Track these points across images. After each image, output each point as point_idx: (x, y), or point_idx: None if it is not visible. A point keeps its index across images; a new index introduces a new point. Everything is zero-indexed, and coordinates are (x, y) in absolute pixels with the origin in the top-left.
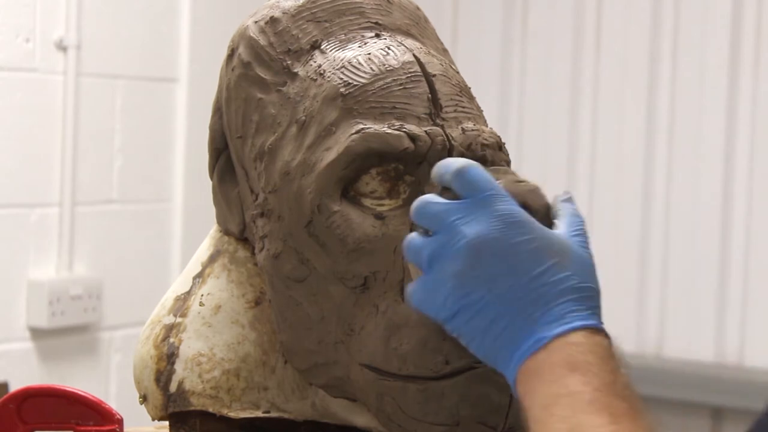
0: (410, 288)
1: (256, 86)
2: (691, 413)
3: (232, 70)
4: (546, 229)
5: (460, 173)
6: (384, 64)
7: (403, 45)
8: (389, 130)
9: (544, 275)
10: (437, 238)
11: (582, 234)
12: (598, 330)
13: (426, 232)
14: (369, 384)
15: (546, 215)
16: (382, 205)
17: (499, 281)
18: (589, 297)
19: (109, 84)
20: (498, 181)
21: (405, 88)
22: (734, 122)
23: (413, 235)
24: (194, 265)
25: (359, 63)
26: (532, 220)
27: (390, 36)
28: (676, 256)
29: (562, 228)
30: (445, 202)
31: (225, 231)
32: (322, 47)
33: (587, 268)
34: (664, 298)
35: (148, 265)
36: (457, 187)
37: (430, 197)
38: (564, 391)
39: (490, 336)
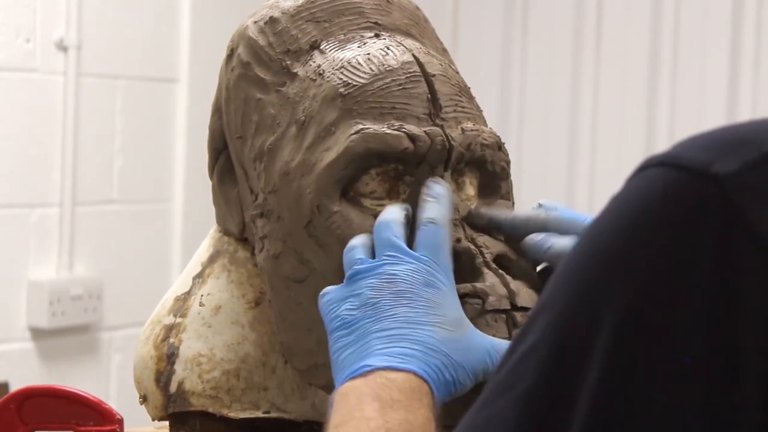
0: (326, 289)
1: (256, 86)
2: None
3: (232, 70)
4: (455, 305)
5: (425, 225)
6: (383, 65)
7: (402, 45)
8: (389, 131)
9: (414, 325)
10: (369, 262)
11: (496, 348)
12: (423, 378)
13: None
14: None
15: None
16: (382, 205)
17: (379, 316)
18: (441, 364)
19: (109, 84)
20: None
21: (404, 88)
22: (734, 122)
23: (361, 257)
24: (194, 266)
25: (359, 63)
26: (451, 288)
27: (389, 36)
28: None
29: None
30: (398, 239)
31: (225, 231)
32: (321, 47)
33: (464, 353)
34: None
35: (148, 265)
36: (417, 234)
37: (399, 237)
38: (358, 414)
39: (342, 354)
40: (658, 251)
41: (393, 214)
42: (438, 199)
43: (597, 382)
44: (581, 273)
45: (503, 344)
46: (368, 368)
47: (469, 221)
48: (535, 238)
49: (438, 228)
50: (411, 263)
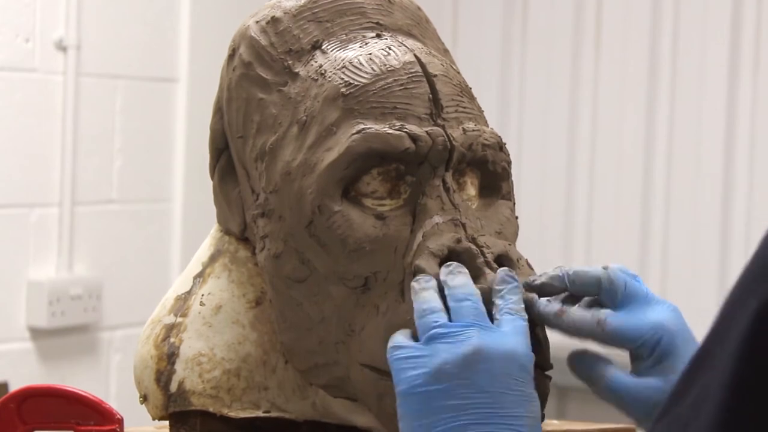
0: (398, 341)
1: (257, 86)
2: None
3: (233, 70)
4: (533, 392)
5: (509, 313)
6: (385, 65)
7: (404, 45)
8: (390, 131)
9: (504, 416)
10: (459, 327)
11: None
12: None
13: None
14: (369, 384)
15: None
16: (383, 205)
17: (476, 397)
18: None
19: (109, 84)
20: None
21: (406, 88)
22: (734, 122)
23: (438, 310)
24: (195, 265)
25: (360, 63)
26: (531, 369)
27: (391, 36)
28: (676, 256)
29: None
30: (481, 315)
31: (226, 231)
32: (323, 47)
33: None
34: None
35: (148, 265)
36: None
37: (481, 315)
38: None
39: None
40: None
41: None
42: (516, 292)
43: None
44: None
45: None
46: None
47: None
48: (586, 370)
49: (520, 320)
50: (502, 340)
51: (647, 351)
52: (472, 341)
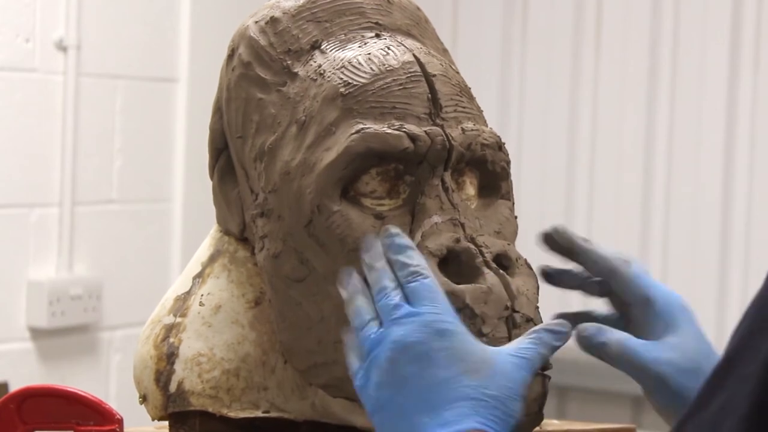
0: (353, 369)
1: (257, 86)
2: None
3: (233, 70)
4: (471, 341)
5: (411, 282)
6: (384, 64)
7: (403, 45)
8: (389, 130)
9: (448, 381)
10: (379, 329)
11: (525, 356)
12: (482, 430)
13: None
14: None
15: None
16: (382, 205)
17: (409, 384)
18: (490, 406)
19: (109, 84)
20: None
21: (405, 88)
22: (734, 122)
23: (367, 317)
24: (194, 265)
25: (359, 63)
26: (460, 330)
27: (390, 36)
28: (676, 256)
29: (509, 345)
30: (397, 302)
31: (225, 231)
32: (322, 47)
33: (501, 383)
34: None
35: (148, 265)
36: (406, 287)
37: (391, 289)
38: None
39: None
40: None
41: (380, 276)
42: (406, 250)
43: None
44: None
45: (521, 347)
46: None
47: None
48: (596, 337)
49: (424, 279)
50: (414, 321)
51: (656, 317)
52: (387, 342)
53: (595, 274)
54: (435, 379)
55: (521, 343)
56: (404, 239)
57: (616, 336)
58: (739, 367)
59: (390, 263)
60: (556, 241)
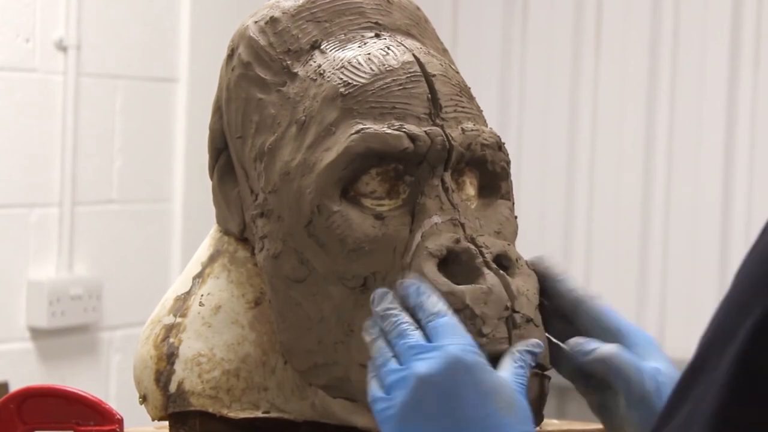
0: (374, 396)
1: (256, 86)
2: None
3: (232, 70)
4: (494, 373)
5: (431, 321)
6: (384, 64)
7: (402, 45)
8: (389, 130)
9: (486, 419)
10: (402, 362)
11: (522, 383)
12: None
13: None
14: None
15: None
16: (382, 205)
17: (440, 421)
18: None
19: (109, 84)
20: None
21: (405, 88)
22: (734, 122)
23: (388, 354)
24: (194, 265)
25: (359, 63)
26: (483, 363)
27: (390, 36)
28: (676, 256)
29: (506, 373)
30: (417, 337)
31: (225, 231)
32: (321, 47)
33: (527, 415)
34: (663, 299)
35: (148, 265)
36: (426, 325)
37: (409, 326)
38: None
39: None
40: None
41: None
42: (426, 293)
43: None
44: None
45: (515, 376)
46: None
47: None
48: (579, 341)
49: (443, 317)
50: (437, 355)
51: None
52: (412, 378)
53: (563, 308)
54: (467, 417)
55: (512, 370)
56: (422, 284)
57: (607, 345)
58: (704, 375)
59: (408, 310)
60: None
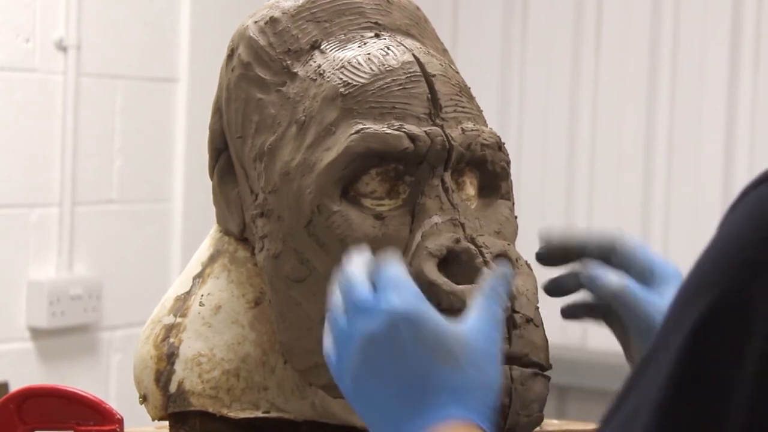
0: (327, 347)
1: (256, 86)
2: None
3: (232, 70)
4: (439, 323)
5: (378, 269)
6: (384, 64)
7: (402, 45)
8: (389, 131)
9: (423, 373)
10: (347, 320)
11: (492, 328)
12: (470, 422)
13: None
14: None
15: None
16: (382, 205)
17: (384, 377)
18: (474, 395)
19: (109, 84)
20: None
21: (404, 88)
22: (734, 122)
23: (339, 309)
24: (194, 265)
25: (359, 63)
26: (426, 315)
27: (390, 36)
28: (676, 256)
29: (471, 321)
30: (363, 292)
31: (225, 231)
32: (321, 47)
33: (476, 359)
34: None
35: (148, 265)
36: (375, 279)
37: (359, 281)
38: None
39: (377, 426)
40: None
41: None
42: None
43: (750, 393)
44: (720, 288)
45: (481, 312)
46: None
47: (543, 251)
48: (597, 272)
49: (389, 267)
50: (380, 311)
51: (650, 275)
52: (356, 336)
53: (595, 255)
54: (409, 371)
55: (480, 306)
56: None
57: (618, 276)
58: (650, 367)
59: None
60: (553, 255)
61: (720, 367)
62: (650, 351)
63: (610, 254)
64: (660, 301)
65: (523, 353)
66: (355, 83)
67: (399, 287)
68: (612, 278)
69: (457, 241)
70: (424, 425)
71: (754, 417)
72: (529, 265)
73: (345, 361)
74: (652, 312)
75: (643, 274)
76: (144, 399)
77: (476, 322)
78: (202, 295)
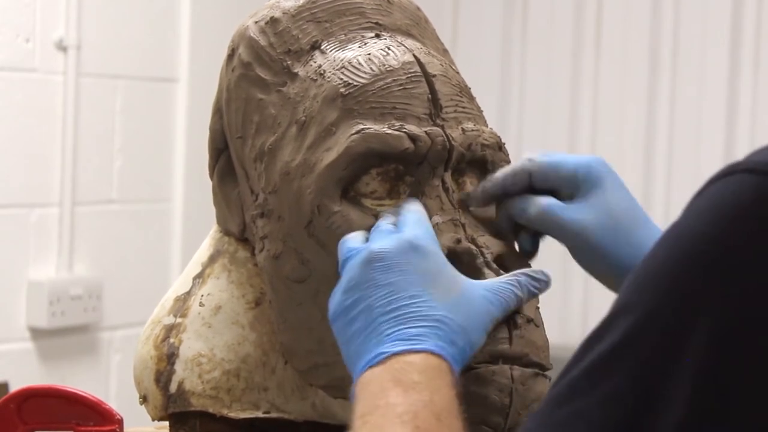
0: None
1: (257, 87)
2: None
3: (233, 70)
4: (447, 264)
5: (401, 213)
6: (384, 65)
7: (403, 45)
8: (389, 131)
9: (414, 299)
10: (364, 244)
11: (499, 294)
12: (439, 356)
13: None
14: None
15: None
16: (382, 205)
17: (376, 295)
18: (452, 331)
19: (109, 84)
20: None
21: (405, 88)
22: (734, 122)
23: (359, 238)
24: (194, 266)
25: (359, 63)
26: (436, 251)
27: (390, 36)
28: None
29: (483, 282)
30: (387, 225)
31: (225, 231)
32: (322, 47)
33: (468, 312)
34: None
35: (148, 265)
36: (398, 221)
37: (386, 222)
38: (382, 402)
39: (353, 345)
40: (759, 260)
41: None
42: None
43: (693, 386)
44: (670, 279)
45: (497, 284)
46: (384, 355)
47: (468, 205)
48: (518, 204)
49: (416, 212)
50: (394, 236)
51: (576, 183)
52: (364, 251)
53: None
54: (403, 291)
55: (498, 281)
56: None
57: (538, 200)
58: (594, 349)
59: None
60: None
61: (667, 361)
62: (596, 330)
63: (529, 182)
64: (585, 213)
65: (524, 353)
66: (355, 83)
67: (419, 225)
68: (529, 205)
69: (458, 241)
70: (397, 348)
71: (696, 408)
72: (529, 266)
73: (345, 274)
74: (577, 229)
75: (570, 186)
76: (144, 399)
77: (486, 285)
78: (202, 296)
